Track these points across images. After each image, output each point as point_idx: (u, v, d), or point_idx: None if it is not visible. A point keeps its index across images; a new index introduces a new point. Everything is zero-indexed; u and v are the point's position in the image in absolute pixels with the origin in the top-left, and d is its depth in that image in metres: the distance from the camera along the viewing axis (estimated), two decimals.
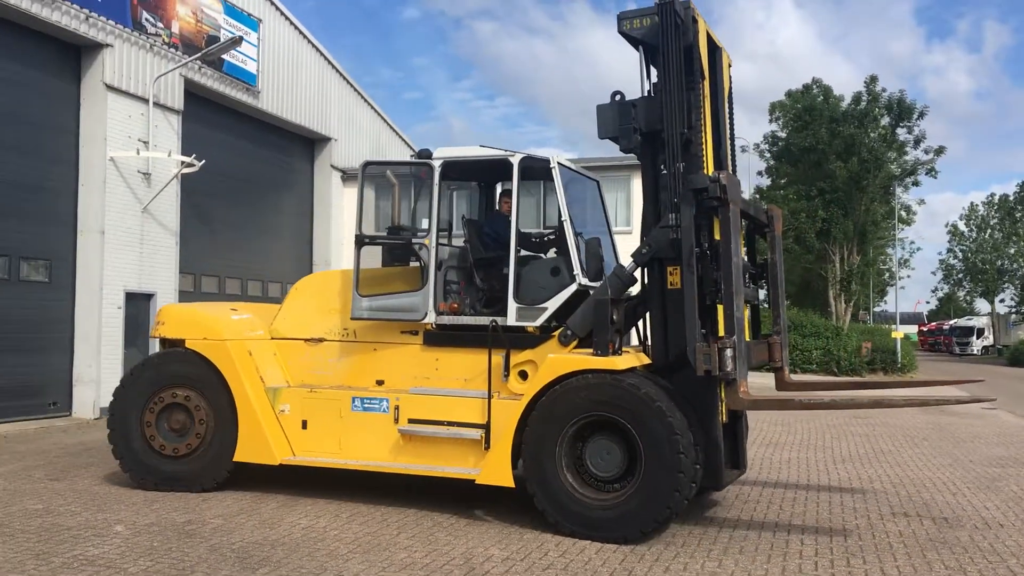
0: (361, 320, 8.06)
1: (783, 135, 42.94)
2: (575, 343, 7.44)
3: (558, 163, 7.76)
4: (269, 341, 8.59)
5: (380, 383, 8.03)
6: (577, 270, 7.47)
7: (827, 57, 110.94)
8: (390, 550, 6.51)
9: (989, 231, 77.77)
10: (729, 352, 6.84)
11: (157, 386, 8.54)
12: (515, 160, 7.68)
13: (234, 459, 8.26)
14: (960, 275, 77.27)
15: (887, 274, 53.95)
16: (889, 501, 8.49)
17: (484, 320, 7.68)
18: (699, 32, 7.33)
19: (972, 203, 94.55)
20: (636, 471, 6.85)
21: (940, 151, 40.77)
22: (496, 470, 7.26)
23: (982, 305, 74.22)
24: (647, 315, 7.75)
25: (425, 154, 7.95)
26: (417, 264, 7.92)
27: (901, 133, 40.68)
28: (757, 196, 44.65)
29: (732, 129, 8.24)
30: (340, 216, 23.19)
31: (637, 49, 7.49)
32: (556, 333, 7.50)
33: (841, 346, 34.60)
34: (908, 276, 55.80)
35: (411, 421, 7.73)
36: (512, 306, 7.52)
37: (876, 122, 39.97)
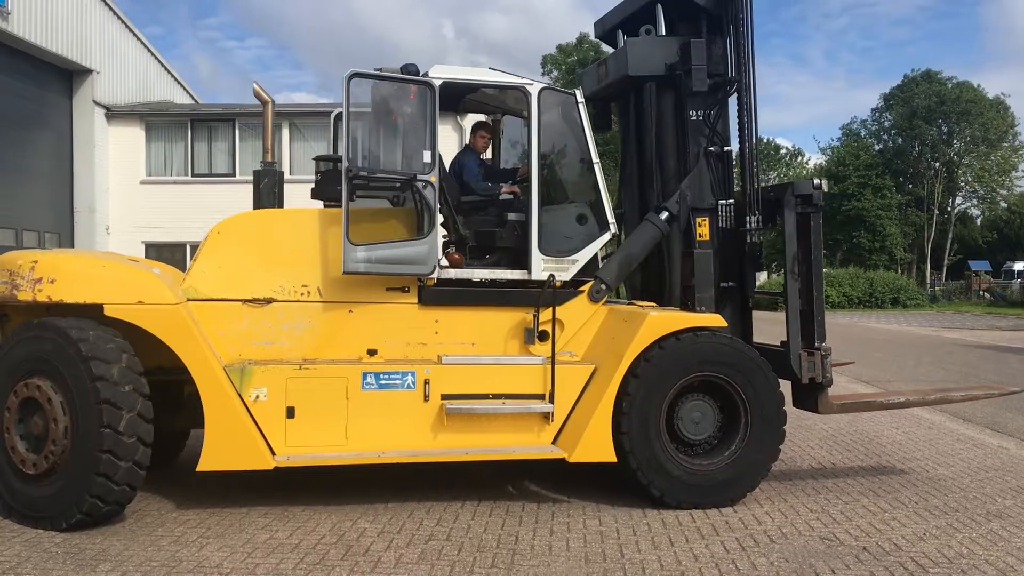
0: (356, 274, 6.37)
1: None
2: (605, 298, 6.98)
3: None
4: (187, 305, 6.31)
5: (372, 352, 6.48)
6: (611, 218, 6.89)
7: (577, 12, 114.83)
8: (248, 531, 5.82)
9: None
10: (829, 359, 6.96)
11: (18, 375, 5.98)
12: (534, 89, 6.69)
13: (199, 468, 5.99)
14: None
15: None
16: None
17: (505, 274, 6.77)
18: None
19: None
20: (737, 432, 6.62)
21: None
22: (593, 444, 6.37)
23: None
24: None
25: (412, 70, 6.54)
26: (409, 207, 6.62)
27: None
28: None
29: None
30: (105, 157, 21.09)
31: None
32: (585, 288, 6.89)
33: None
34: None
35: (445, 397, 6.39)
36: (537, 258, 6.69)
37: None
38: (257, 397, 6.10)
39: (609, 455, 6.43)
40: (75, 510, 5.68)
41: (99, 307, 5.94)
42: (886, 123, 61.94)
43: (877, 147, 61.47)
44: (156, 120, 22.48)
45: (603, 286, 6.95)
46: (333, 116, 7.72)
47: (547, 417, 6.54)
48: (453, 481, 7.12)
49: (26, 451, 5.86)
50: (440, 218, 6.59)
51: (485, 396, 6.46)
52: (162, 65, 24.77)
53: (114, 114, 21.45)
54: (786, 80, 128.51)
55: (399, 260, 6.39)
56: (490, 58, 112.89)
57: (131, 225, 21.70)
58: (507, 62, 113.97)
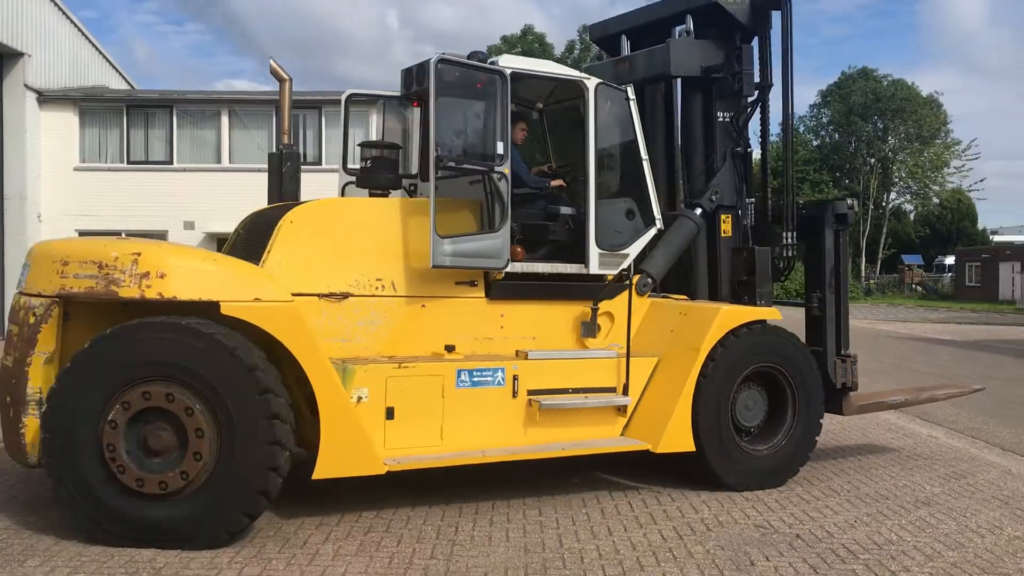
0: (443, 268, 6.13)
1: None
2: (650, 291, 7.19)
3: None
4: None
5: (451, 348, 6.30)
6: (657, 213, 6.95)
7: (522, 3, 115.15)
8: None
9: None
10: (856, 366, 7.67)
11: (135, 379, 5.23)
12: (591, 84, 6.71)
13: (315, 476, 5.57)
14: None
15: None
16: None
17: (564, 268, 6.74)
18: None
19: None
20: (784, 420, 7.06)
21: None
22: (676, 434, 6.55)
23: None
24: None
25: (482, 57, 6.36)
26: (475, 198, 6.49)
27: None
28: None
29: None
30: (37, 143, 20.50)
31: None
32: (635, 280, 6.96)
33: None
34: None
35: (532, 392, 6.37)
36: (594, 252, 6.69)
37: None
38: (360, 398, 5.79)
39: (689, 444, 6.62)
40: (223, 530, 5.23)
41: (214, 305, 5.33)
42: (824, 119, 63.11)
43: (815, 143, 62.61)
44: (90, 105, 21.89)
45: (649, 280, 7.11)
46: (382, 101, 7.65)
47: (621, 410, 6.72)
48: (391, 472, 7.08)
49: (139, 468, 5.15)
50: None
51: (566, 391, 6.51)
52: (97, 49, 24.11)
53: (46, 99, 20.82)
54: None
55: (478, 254, 6.24)
56: (435, 48, 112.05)
57: (63, 213, 21.13)
58: (454, 52, 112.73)
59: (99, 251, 5.35)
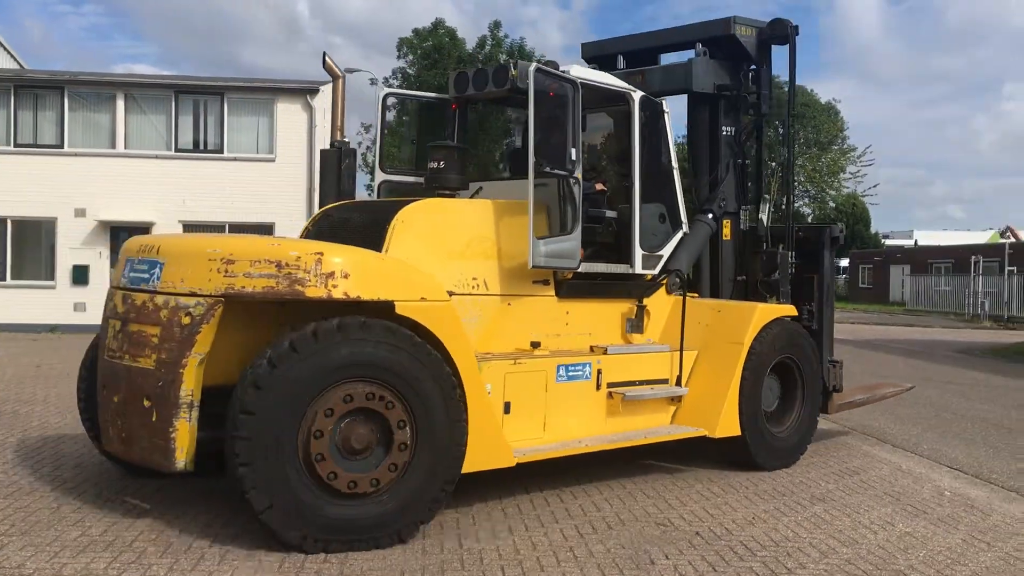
0: (539, 268, 6.46)
1: (412, 72, 43.28)
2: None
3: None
4: None
5: (536, 345, 6.64)
6: (683, 217, 7.55)
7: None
8: (57, 528, 5.37)
9: None
10: (842, 370, 8.60)
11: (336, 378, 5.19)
12: (636, 96, 7.24)
13: (463, 470, 5.64)
14: None
15: None
16: None
17: (615, 268, 7.16)
18: None
19: None
20: (794, 405, 7.88)
21: None
22: (729, 420, 7.28)
23: None
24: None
25: (554, 65, 6.59)
26: (544, 201, 6.60)
27: None
28: (386, 132, 44.76)
29: None
30: None
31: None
32: (665, 280, 7.49)
33: None
34: None
35: (611, 385, 6.86)
36: (639, 254, 7.15)
37: None
38: (487, 391, 5.94)
39: (737, 429, 7.32)
40: (416, 521, 5.38)
41: (389, 304, 5.39)
42: None
43: None
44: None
45: (677, 279, 7.55)
46: (453, 104, 7.72)
47: (674, 400, 7.36)
48: None
49: (346, 470, 5.15)
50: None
51: (633, 383, 7.03)
52: None
53: None
54: None
55: (561, 254, 6.47)
56: (345, 39, 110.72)
57: None
58: (362, 44, 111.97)
59: (275, 251, 5.28)
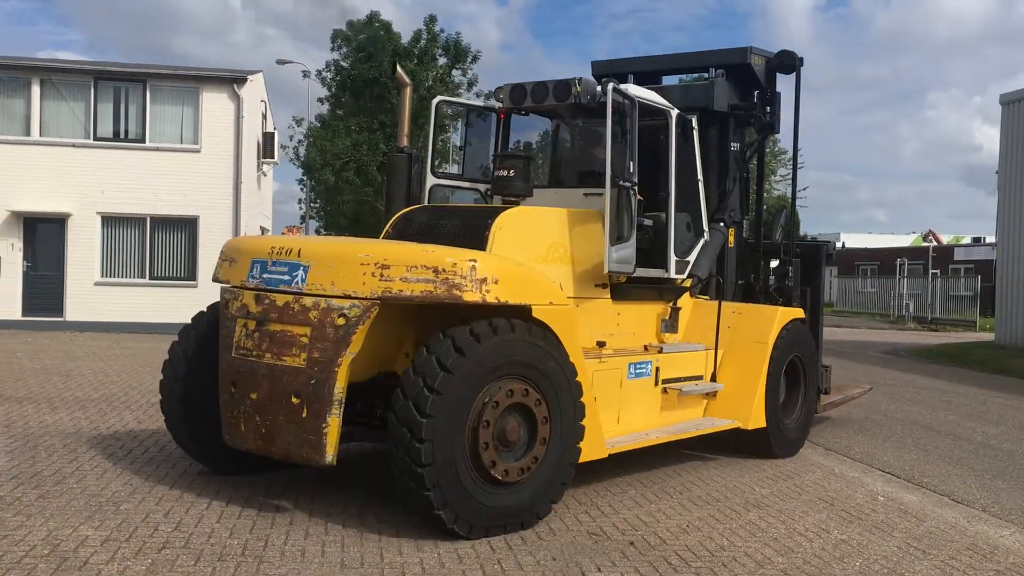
0: (614, 273, 6.92)
1: (346, 65, 42.56)
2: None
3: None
4: None
5: (602, 344, 7.07)
6: (705, 225, 7.97)
7: None
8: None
9: None
10: (831, 375, 9.84)
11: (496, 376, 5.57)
12: (674, 113, 7.66)
13: (580, 460, 6.13)
14: None
15: None
16: None
17: (654, 273, 7.48)
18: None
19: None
20: (797, 399, 8.62)
21: (491, 95, 43.35)
22: (759, 413, 7.97)
23: None
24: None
25: (615, 84, 6.99)
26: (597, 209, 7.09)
27: (456, 75, 42.48)
28: (318, 124, 44.07)
29: None
30: None
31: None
32: (689, 283, 7.95)
33: None
34: None
35: (665, 381, 7.48)
36: (672, 260, 7.54)
37: (435, 61, 41.25)
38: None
39: (764, 421, 8.02)
40: (547, 505, 5.89)
41: (527, 308, 5.83)
42: None
43: None
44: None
45: (699, 283, 8.13)
46: (499, 114, 8.18)
47: (709, 395, 7.97)
48: (198, 478, 6.45)
49: (503, 460, 5.60)
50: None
51: (680, 379, 7.64)
52: None
53: None
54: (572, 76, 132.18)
55: (624, 260, 6.89)
56: (278, 31, 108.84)
57: None
58: (295, 36, 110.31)
59: (431, 257, 5.56)
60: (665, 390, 7.45)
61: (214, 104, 20.73)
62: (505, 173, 7.07)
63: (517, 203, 7.01)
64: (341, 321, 5.43)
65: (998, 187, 23.13)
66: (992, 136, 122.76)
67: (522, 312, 5.80)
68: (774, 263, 9.44)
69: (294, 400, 5.47)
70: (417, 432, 5.18)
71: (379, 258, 5.52)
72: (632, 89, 7.26)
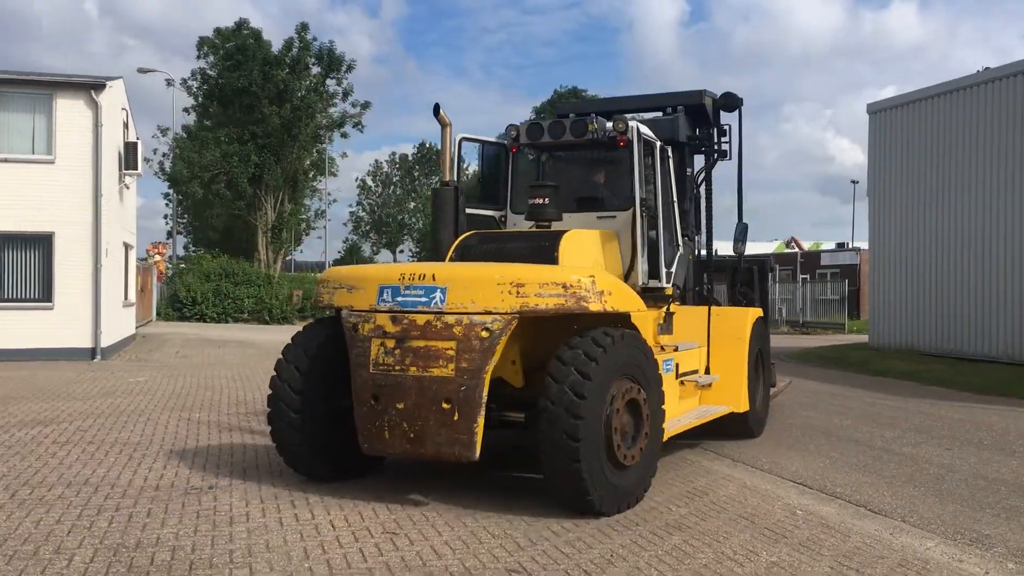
0: (644, 286, 8.14)
1: (213, 74, 40.94)
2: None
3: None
4: None
5: None
6: (680, 240, 8.86)
7: (236, 1, 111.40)
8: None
9: (392, 187, 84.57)
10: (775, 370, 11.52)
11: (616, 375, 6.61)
12: (658, 144, 8.49)
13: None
14: (367, 227, 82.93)
15: (304, 224, 55.32)
16: None
17: (654, 283, 8.28)
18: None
19: (377, 160, 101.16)
20: (760, 384, 10.18)
21: (366, 106, 42.59)
22: (744, 399, 9.44)
23: (386, 256, 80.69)
24: None
25: (628, 119, 8.30)
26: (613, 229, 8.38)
27: (331, 84, 41.50)
28: (184, 135, 42.23)
29: None
30: None
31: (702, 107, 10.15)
32: (670, 291, 8.56)
33: (273, 294, 34.40)
34: (323, 227, 58.05)
35: (680, 375, 8.54)
36: (663, 270, 8.29)
37: (308, 70, 40.16)
38: None
39: (747, 405, 9.51)
40: (643, 488, 6.88)
41: (626, 315, 7.06)
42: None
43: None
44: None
45: (678, 290, 8.88)
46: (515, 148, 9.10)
47: (705, 386, 9.12)
48: (92, 475, 5.64)
49: (626, 447, 6.59)
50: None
51: (688, 373, 8.76)
52: None
53: None
54: (444, 89, 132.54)
55: (646, 273, 8.18)
56: (139, 41, 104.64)
57: None
58: (159, 46, 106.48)
59: (559, 275, 6.54)
60: (682, 382, 8.60)
61: (70, 112, 19.23)
62: (540, 201, 8.13)
63: (548, 226, 8.05)
64: (485, 334, 6.22)
65: (868, 193, 23.90)
66: (843, 147, 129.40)
67: (623, 319, 6.98)
68: (735, 273, 11.17)
69: (444, 405, 6.17)
70: (574, 409, 6.07)
71: (513, 278, 6.36)
72: (643, 127, 8.28)
